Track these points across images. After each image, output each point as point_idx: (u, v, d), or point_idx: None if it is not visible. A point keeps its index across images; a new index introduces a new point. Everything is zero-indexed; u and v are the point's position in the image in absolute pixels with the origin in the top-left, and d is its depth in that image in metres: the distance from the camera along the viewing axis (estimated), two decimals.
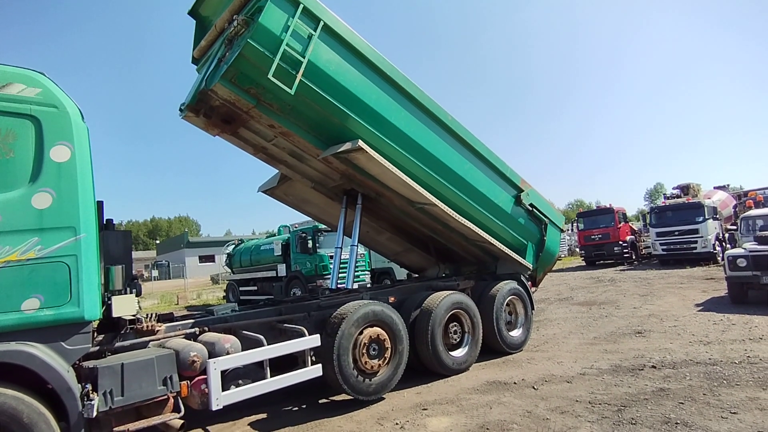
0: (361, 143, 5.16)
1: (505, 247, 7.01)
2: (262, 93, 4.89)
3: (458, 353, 6.11)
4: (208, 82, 5.00)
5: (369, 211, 6.86)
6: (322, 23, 4.94)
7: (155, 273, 46.66)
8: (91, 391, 3.26)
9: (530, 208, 7.31)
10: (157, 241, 74.76)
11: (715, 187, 24.61)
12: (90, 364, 3.48)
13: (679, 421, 3.98)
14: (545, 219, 7.59)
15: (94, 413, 3.19)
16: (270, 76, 4.54)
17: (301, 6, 4.76)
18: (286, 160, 6.30)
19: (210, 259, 51.23)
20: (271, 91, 4.78)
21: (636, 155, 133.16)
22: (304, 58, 4.76)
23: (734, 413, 4.07)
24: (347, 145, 5.19)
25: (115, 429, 3.38)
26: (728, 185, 26.73)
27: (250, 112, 5.14)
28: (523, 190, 7.19)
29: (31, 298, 3.12)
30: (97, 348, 3.78)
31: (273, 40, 4.59)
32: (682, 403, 4.38)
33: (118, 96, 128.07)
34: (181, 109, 5.58)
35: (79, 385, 3.27)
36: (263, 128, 5.55)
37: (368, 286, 12.62)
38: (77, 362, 3.43)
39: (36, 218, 3.20)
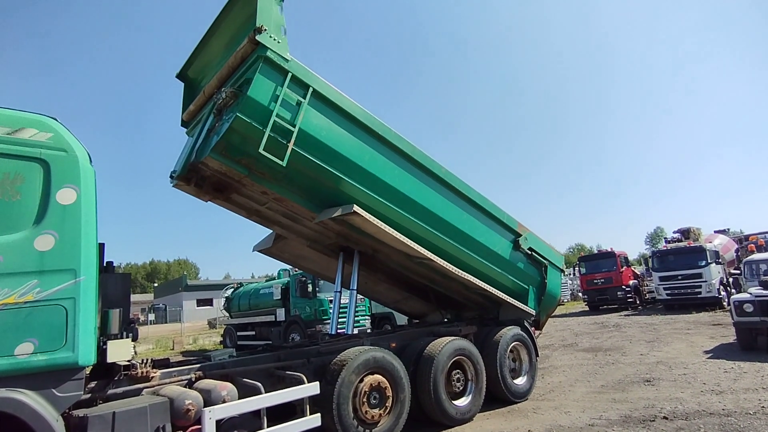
0: (355, 208, 5.10)
1: (506, 296, 6.92)
2: (253, 163, 4.82)
3: (462, 402, 5.90)
4: (199, 155, 4.95)
5: (366, 265, 6.69)
6: (311, 89, 4.90)
7: (152, 317, 45.82)
8: None
9: (529, 252, 7.28)
10: (155, 284, 74.00)
11: (715, 231, 24.64)
12: (80, 412, 3.35)
13: None
14: (545, 261, 7.54)
15: None
16: (261, 150, 4.49)
17: (290, 75, 4.71)
18: (280, 221, 6.21)
19: (208, 302, 50.52)
20: (263, 161, 4.69)
21: (635, 199, 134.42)
22: (294, 126, 4.70)
23: None
24: (342, 210, 5.15)
25: None
26: (728, 229, 26.76)
27: (242, 181, 5.09)
28: (521, 235, 7.17)
29: (25, 342, 3.05)
30: (89, 395, 3.66)
31: (263, 112, 4.54)
32: None
33: (119, 137, 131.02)
34: (172, 177, 5.51)
35: None
36: (256, 194, 5.49)
37: (368, 331, 12.38)
38: (67, 410, 3.31)
39: (37, 260, 3.19)
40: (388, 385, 5.09)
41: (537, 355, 7.27)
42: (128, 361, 4.08)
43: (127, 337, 4.12)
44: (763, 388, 6.28)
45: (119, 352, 3.93)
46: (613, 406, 6.02)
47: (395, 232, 5.49)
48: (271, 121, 4.54)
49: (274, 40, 4.66)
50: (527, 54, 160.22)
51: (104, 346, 3.88)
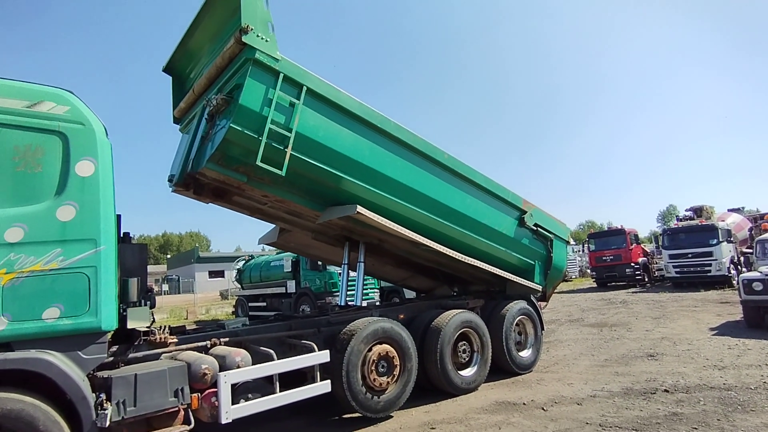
0: (359, 209, 5.05)
1: (512, 275, 6.99)
2: (252, 170, 4.70)
3: (467, 372, 6.07)
4: (195, 165, 4.88)
5: (372, 251, 6.62)
6: (304, 88, 4.71)
7: (165, 287, 46.95)
8: (104, 401, 3.32)
9: (535, 228, 7.27)
10: (168, 256, 75.39)
11: (729, 210, 24.32)
12: (104, 374, 3.55)
13: None
14: (550, 235, 7.56)
15: (107, 423, 3.24)
16: (258, 162, 4.38)
17: (282, 75, 4.52)
18: (284, 217, 6.16)
19: (220, 274, 51.42)
20: (262, 168, 4.54)
21: (648, 177, 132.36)
22: (290, 131, 4.56)
23: None
24: (344, 211, 5.12)
25: None
26: (743, 208, 26.39)
27: (242, 186, 5.02)
28: (526, 212, 7.14)
29: (51, 307, 3.22)
30: (111, 358, 3.86)
31: (256, 119, 4.40)
32: (695, 429, 4.30)
33: (130, 108, 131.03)
34: (170, 180, 5.45)
35: (94, 394, 3.33)
36: (256, 196, 5.42)
37: (377, 303, 12.61)
38: (92, 372, 3.50)
39: (60, 230, 3.32)
40: (395, 354, 5.25)
41: (543, 329, 7.39)
42: (147, 327, 4.27)
43: (146, 304, 4.29)
44: (766, 365, 6.35)
45: (138, 318, 4.11)
46: (616, 379, 6.15)
47: (400, 227, 5.48)
48: (267, 129, 4.40)
49: (262, 39, 4.40)
50: (559, 27, 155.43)
51: (124, 313, 4.05)
